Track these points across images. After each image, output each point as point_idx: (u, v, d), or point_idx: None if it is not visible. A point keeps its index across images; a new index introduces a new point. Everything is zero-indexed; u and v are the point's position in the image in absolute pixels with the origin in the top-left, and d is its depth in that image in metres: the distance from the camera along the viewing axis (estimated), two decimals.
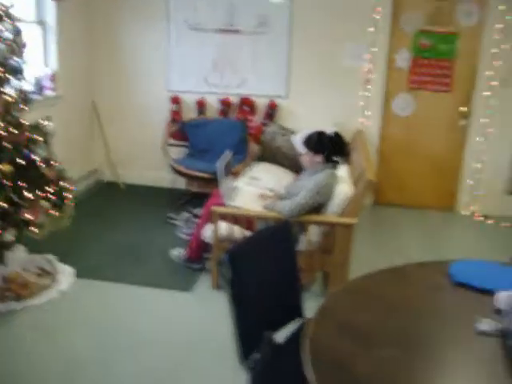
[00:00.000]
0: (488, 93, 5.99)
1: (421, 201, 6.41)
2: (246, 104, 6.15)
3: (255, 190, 4.43)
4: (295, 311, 2.58)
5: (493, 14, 5.81)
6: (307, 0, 5.91)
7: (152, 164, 6.58)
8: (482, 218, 6.15)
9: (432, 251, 4.89)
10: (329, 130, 4.17)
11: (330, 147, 3.93)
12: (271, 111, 6.14)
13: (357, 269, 3.66)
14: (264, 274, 2.39)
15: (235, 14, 6.07)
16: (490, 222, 6.03)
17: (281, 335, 2.41)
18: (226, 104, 6.18)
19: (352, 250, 3.89)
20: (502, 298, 2.09)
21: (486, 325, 1.99)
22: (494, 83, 5.96)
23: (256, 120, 6.16)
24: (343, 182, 4.02)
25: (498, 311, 2.08)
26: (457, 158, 6.30)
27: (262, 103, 6.18)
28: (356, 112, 6.14)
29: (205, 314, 3.82)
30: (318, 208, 3.85)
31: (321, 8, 5.93)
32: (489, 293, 2.20)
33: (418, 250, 4.93)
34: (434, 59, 6.08)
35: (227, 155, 4.62)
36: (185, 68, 6.29)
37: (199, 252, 4.34)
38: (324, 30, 5.98)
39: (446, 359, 1.82)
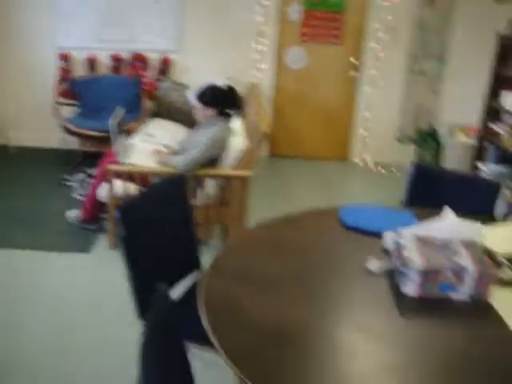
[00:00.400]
0: (375, 45, 6.14)
1: (315, 152, 6.55)
2: (138, 60, 6.00)
3: (150, 146, 4.36)
4: (193, 264, 2.59)
5: None
6: None
7: (43, 125, 6.31)
8: (374, 166, 6.37)
9: (327, 199, 5.05)
10: (222, 83, 4.15)
11: (222, 100, 3.91)
12: (164, 67, 6.03)
13: (254, 221, 3.71)
14: (159, 229, 2.37)
15: None
16: (381, 169, 6.27)
17: (178, 288, 2.42)
18: (117, 60, 6.01)
19: (249, 202, 3.93)
20: (388, 238, 2.19)
21: (375, 264, 2.08)
22: (382, 35, 6.12)
23: (149, 76, 6.03)
24: (238, 135, 4.03)
25: (386, 251, 2.18)
26: (349, 109, 6.47)
27: (154, 58, 6.05)
28: (250, 65, 6.13)
29: (103, 274, 3.77)
30: (213, 161, 3.85)
31: None
32: (377, 235, 2.29)
33: (314, 199, 5.07)
34: (324, 12, 6.14)
35: (119, 112, 4.51)
36: (73, 24, 6.01)
37: (95, 212, 4.25)
38: None
39: (338, 297, 1.90)
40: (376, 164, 6.38)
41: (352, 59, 6.27)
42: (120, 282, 3.31)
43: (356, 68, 6.28)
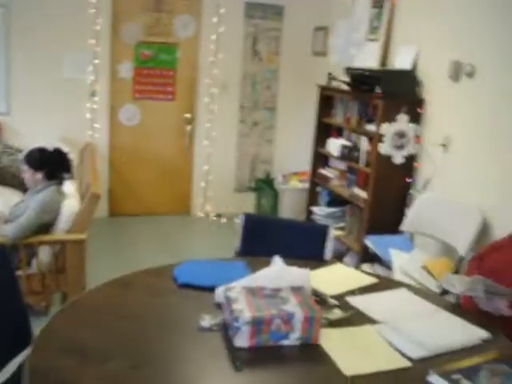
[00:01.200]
0: (208, 99, 6.30)
1: (157, 208, 6.51)
2: None
3: None
4: (25, 340, 2.44)
5: (207, 26, 6.15)
6: (24, 10, 5.60)
7: None
8: (215, 217, 6.46)
9: (169, 256, 5.01)
10: (55, 145, 4.04)
11: (51, 163, 3.79)
12: None
13: (95, 285, 3.59)
14: None
15: None
16: (223, 220, 6.36)
17: (6, 370, 2.26)
18: None
19: (87, 266, 3.81)
20: (219, 292, 2.20)
21: (208, 320, 2.07)
22: (214, 90, 6.30)
23: None
24: (70, 198, 3.91)
25: (219, 305, 2.18)
26: (187, 163, 6.53)
27: None
28: (84, 125, 6.00)
29: None
30: (45, 227, 3.70)
31: (39, 21, 5.63)
32: (211, 289, 2.30)
33: (156, 257, 5.01)
34: (156, 69, 6.22)
35: None
36: None
37: None
38: (44, 43, 5.71)
39: (172, 361, 1.86)
40: (217, 215, 6.47)
41: (186, 114, 6.37)
42: None
43: (191, 122, 6.39)
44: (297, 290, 2.13)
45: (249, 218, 3.09)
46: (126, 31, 6.04)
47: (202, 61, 6.25)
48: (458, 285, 2.54)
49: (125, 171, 6.36)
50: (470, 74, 3.90)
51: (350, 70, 4.75)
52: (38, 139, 4.18)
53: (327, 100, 5.36)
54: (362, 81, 4.55)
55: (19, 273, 3.48)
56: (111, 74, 6.05)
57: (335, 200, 5.21)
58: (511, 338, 2.21)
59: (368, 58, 4.99)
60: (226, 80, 6.33)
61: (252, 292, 2.07)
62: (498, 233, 3.39)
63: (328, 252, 3.02)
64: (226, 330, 2.03)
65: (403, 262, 3.69)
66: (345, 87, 4.90)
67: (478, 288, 2.43)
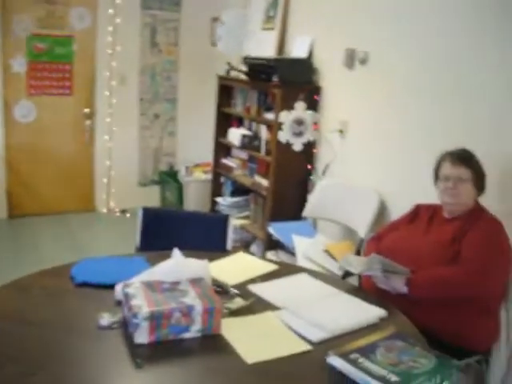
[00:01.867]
0: (107, 93, 6.16)
1: (60, 206, 6.30)
2: None
3: None
4: None
5: (104, 18, 6.00)
6: None
7: None
8: (120, 213, 6.34)
9: (75, 255, 4.86)
10: None
11: None
12: None
13: None
14: None
15: None
16: (128, 215, 6.26)
17: None
18: None
19: None
20: (119, 289, 2.15)
21: (107, 319, 2.03)
22: (113, 83, 6.16)
23: None
24: None
25: (119, 303, 2.14)
26: (88, 159, 6.37)
27: None
28: None
29: None
30: None
31: None
32: (111, 287, 2.25)
33: (61, 257, 4.83)
34: (51, 63, 6.01)
35: None
36: None
37: None
38: None
39: (70, 363, 1.81)
40: (122, 211, 6.36)
41: (85, 109, 6.20)
42: None
43: (90, 117, 6.22)
44: (196, 281, 2.12)
45: (147, 213, 3.05)
46: (17, 23, 5.79)
47: (100, 53, 6.09)
48: (356, 264, 2.61)
49: (23, 170, 6.11)
50: (364, 61, 4.00)
51: (247, 60, 4.77)
52: None
53: (227, 90, 5.36)
54: (259, 70, 4.57)
55: None
56: (3, 69, 5.78)
57: (239, 189, 5.23)
58: (408, 315, 2.29)
59: (265, 48, 5.02)
60: (124, 72, 6.20)
61: (150, 287, 2.04)
62: (395, 215, 3.50)
63: (229, 242, 3.03)
64: (125, 328, 1.99)
65: (306, 247, 3.75)
66: (243, 77, 4.91)
67: (375, 267, 2.51)
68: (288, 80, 4.34)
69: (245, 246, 4.79)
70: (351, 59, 4.11)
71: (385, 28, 3.83)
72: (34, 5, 5.81)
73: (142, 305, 1.90)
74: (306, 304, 2.23)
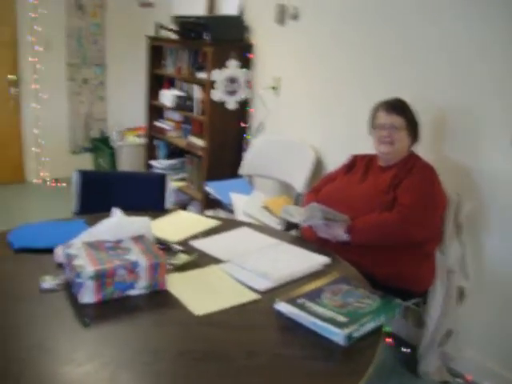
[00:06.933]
0: (34, 58, 5.94)
1: None
2: None
3: None
4: None
5: None
6: None
7: None
8: (52, 183, 6.19)
9: (6, 226, 4.72)
10: None
11: None
12: None
13: None
14: None
15: None
16: (61, 184, 6.11)
17: None
18: None
19: None
20: (59, 251, 2.11)
21: (49, 281, 1.99)
22: (38, 48, 5.94)
23: None
24: None
25: (60, 265, 2.10)
26: (15, 128, 6.15)
27: None
28: None
29: None
30: None
31: None
32: (50, 251, 2.20)
33: None
34: None
35: None
36: None
37: None
38: None
39: (14, 327, 1.76)
40: (54, 179, 6.20)
41: (10, 76, 5.96)
42: None
43: (15, 84, 6.00)
44: (138, 239, 2.10)
45: (83, 175, 2.98)
46: None
47: (22, 17, 5.84)
48: (297, 214, 2.64)
49: None
50: (295, 17, 4.00)
51: (177, 19, 4.68)
52: None
53: (157, 51, 5.25)
54: (190, 29, 4.50)
55: None
56: None
57: (174, 152, 5.19)
58: (349, 262, 2.34)
59: (195, 7, 4.93)
60: (49, 37, 5.98)
61: (93, 246, 2.01)
62: (331, 168, 3.55)
63: (168, 200, 3.01)
64: (69, 289, 1.96)
65: (244, 204, 3.76)
66: (174, 37, 4.82)
67: (315, 215, 2.54)
68: (219, 38, 4.29)
69: (182, 207, 4.76)
70: (282, 15, 4.10)
71: None
72: None
73: (86, 264, 1.87)
74: (249, 255, 2.24)
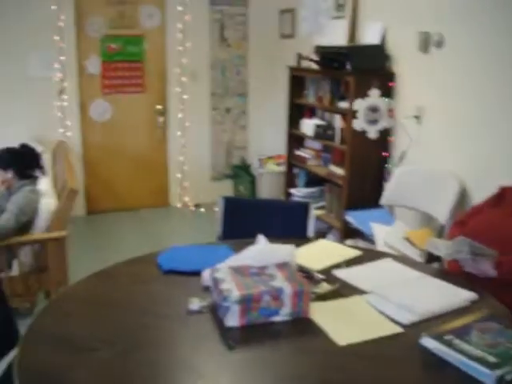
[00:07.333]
0: (179, 89, 6.26)
1: (135, 202, 6.46)
2: None
3: None
4: (10, 341, 2.40)
5: (173, 15, 6.10)
6: None
7: None
8: (194, 208, 6.43)
9: (151, 249, 4.94)
10: (17, 144, 3.96)
11: (19, 160, 3.72)
12: None
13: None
14: None
15: None
16: (202, 209, 6.34)
17: None
18: None
19: (69, 265, 3.77)
20: (206, 275, 2.18)
21: (196, 303, 2.06)
22: (184, 79, 6.26)
23: None
24: (47, 196, 3.86)
25: (206, 288, 2.17)
26: (161, 154, 6.49)
27: None
28: (55, 123, 5.92)
29: None
30: (23, 228, 3.63)
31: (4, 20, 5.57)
32: (197, 274, 2.28)
33: (137, 250, 4.93)
34: (124, 62, 6.16)
35: None
36: None
37: None
38: (8, 43, 5.60)
39: (163, 345, 1.85)
40: (196, 205, 6.45)
41: (157, 105, 6.32)
42: None
43: (162, 113, 6.34)
44: (283, 266, 2.13)
45: (228, 201, 3.08)
46: (91, 25, 5.96)
47: (170, 50, 6.21)
48: (443, 248, 2.55)
49: (100, 167, 6.29)
50: (439, 44, 3.91)
51: (319, 49, 4.74)
52: (8, 141, 4.07)
53: (298, 81, 5.34)
54: (331, 59, 4.54)
55: (1, 275, 3.44)
56: (79, 69, 5.97)
57: (312, 180, 5.22)
58: (497, 298, 2.23)
59: (336, 36, 4.98)
60: (195, 68, 6.29)
61: (238, 271, 2.06)
62: (477, 199, 3.41)
63: (310, 228, 3.02)
64: (215, 312, 2.02)
65: (385, 234, 3.70)
66: (315, 66, 4.89)
67: (463, 250, 2.45)
68: (361, 67, 4.29)
69: (320, 235, 4.76)
70: (425, 43, 4.03)
71: (460, 8, 3.73)
72: (106, 6, 5.97)
73: (232, 289, 1.92)
74: (393, 287, 2.20)
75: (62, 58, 5.81)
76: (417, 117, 4.17)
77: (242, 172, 6.42)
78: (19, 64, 5.68)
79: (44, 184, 4.04)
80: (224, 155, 6.68)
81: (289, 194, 5.39)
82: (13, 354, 2.33)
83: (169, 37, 6.18)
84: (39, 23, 5.64)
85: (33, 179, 3.79)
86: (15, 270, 3.69)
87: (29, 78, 5.73)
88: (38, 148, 4.24)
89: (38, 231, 3.71)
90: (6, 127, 5.64)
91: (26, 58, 5.71)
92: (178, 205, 6.56)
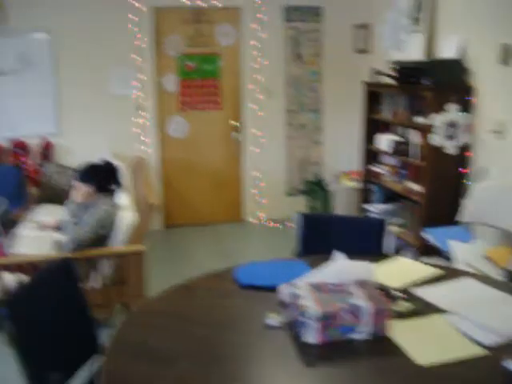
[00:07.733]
0: (254, 105, 6.33)
1: (210, 216, 6.56)
2: (19, 147, 5.85)
3: (39, 233, 4.20)
4: (92, 349, 2.48)
5: (247, 33, 6.19)
6: (67, 33, 5.72)
7: None
8: (268, 222, 6.47)
9: (226, 262, 5.03)
10: (99, 160, 4.09)
11: (101, 175, 3.84)
12: (46, 151, 5.89)
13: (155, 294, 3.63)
14: (48, 317, 2.27)
15: None
16: (276, 224, 6.36)
17: (78, 376, 2.31)
18: None
19: (147, 278, 3.86)
20: (283, 290, 2.20)
21: (274, 318, 2.08)
22: (258, 96, 6.33)
23: (31, 162, 5.86)
24: (125, 210, 3.97)
25: (283, 304, 2.18)
26: (237, 170, 6.56)
27: (35, 144, 5.88)
28: (133, 139, 6.11)
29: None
30: (102, 240, 3.75)
31: (83, 41, 5.80)
32: (273, 289, 2.30)
33: (213, 264, 5.03)
34: (200, 80, 6.29)
35: (2, 203, 4.35)
36: None
37: None
38: (90, 62, 5.86)
39: (241, 357, 1.88)
40: (270, 220, 6.48)
41: (232, 122, 6.41)
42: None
43: (237, 130, 6.42)
44: (361, 283, 2.11)
45: (305, 218, 3.08)
46: (169, 44, 6.13)
47: (245, 68, 6.29)
48: None
49: (177, 183, 6.43)
50: None
51: (396, 64, 4.70)
52: (89, 156, 4.23)
53: (373, 96, 5.31)
54: (408, 74, 4.49)
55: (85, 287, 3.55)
56: (157, 87, 6.14)
57: (388, 196, 5.16)
58: None
59: (412, 50, 4.92)
60: (270, 85, 6.35)
61: (317, 288, 2.06)
62: None
63: (386, 245, 2.99)
64: (292, 328, 2.02)
65: (464, 252, 3.62)
66: (390, 81, 4.84)
67: None
68: (439, 82, 4.23)
69: (396, 252, 4.69)
70: (506, 55, 3.93)
71: None
72: (183, 25, 6.12)
73: (312, 305, 1.92)
74: (475, 308, 2.15)
75: (140, 76, 5.99)
76: (498, 132, 4.06)
77: (316, 188, 6.41)
78: (101, 82, 5.93)
79: (122, 198, 4.16)
80: (298, 171, 6.69)
81: (364, 210, 5.34)
82: (94, 362, 2.42)
83: (244, 54, 6.27)
84: (120, 43, 5.86)
85: (110, 193, 3.90)
86: (95, 282, 3.80)
87: (109, 95, 5.96)
88: (117, 163, 4.38)
89: (116, 244, 3.81)
90: (86, 141, 5.93)
91: (107, 77, 5.93)
92: (252, 220, 6.60)
